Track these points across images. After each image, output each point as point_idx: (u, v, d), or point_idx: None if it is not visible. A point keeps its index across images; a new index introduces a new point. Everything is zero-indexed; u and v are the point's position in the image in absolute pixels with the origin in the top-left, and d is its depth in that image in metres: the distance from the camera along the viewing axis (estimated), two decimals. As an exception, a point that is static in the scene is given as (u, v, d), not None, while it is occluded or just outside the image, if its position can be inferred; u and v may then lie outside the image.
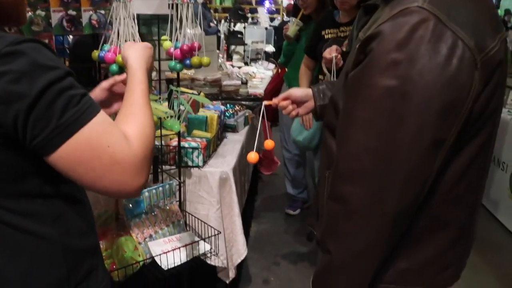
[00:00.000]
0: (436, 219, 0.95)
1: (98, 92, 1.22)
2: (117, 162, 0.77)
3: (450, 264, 1.02)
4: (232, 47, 6.15)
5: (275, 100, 1.40)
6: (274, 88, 3.52)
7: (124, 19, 1.56)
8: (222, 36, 6.25)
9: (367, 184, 0.86)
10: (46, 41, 1.54)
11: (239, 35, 6.21)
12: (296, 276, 2.66)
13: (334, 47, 2.23)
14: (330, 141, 1.08)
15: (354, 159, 0.88)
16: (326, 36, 2.63)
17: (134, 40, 1.58)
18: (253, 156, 1.28)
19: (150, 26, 2.20)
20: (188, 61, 1.71)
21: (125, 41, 1.57)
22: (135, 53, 1.07)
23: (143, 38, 1.65)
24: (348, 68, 0.93)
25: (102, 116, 0.79)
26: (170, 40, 1.78)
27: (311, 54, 2.77)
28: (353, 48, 1.01)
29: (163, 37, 1.87)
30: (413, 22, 0.79)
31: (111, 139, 0.78)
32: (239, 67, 4.78)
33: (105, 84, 1.22)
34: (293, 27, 3.08)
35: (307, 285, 2.65)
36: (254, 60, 6.29)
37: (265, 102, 1.39)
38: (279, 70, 3.56)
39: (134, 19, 1.56)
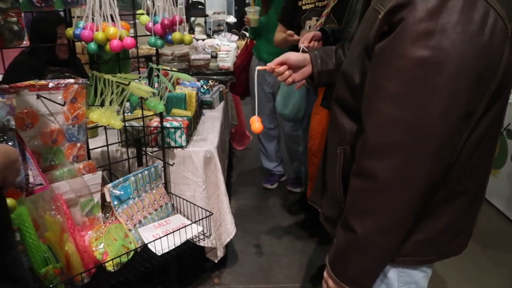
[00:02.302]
0: (453, 189, 0.96)
1: None
2: None
3: (461, 232, 1.04)
4: (192, 19, 5.97)
5: (270, 65, 1.32)
6: (243, 62, 3.43)
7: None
8: (182, 7, 6.03)
9: (397, 159, 0.84)
10: (15, 19, 1.40)
11: (199, 6, 6.02)
12: (282, 250, 2.67)
13: (310, 34, 2.13)
14: (341, 117, 1.05)
15: (383, 133, 0.85)
16: (304, 7, 2.56)
17: (112, 17, 1.47)
18: (257, 126, 1.26)
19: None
20: (170, 37, 1.61)
21: (103, 17, 1.46)
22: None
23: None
24: (369, 39, 0.89)
25: None
26: (147, 13, 1.67)
27: (287, 24, 2.68)
28: (366, 18, 0.97)
29: (139, 11, 1.75)
30: None
31: None
32: (203, 40, 4.64)
33: None
34: (253, 17, 3.03)
35: (294, 258, 2.69)
36: (217, 32, 6.14)
37: (258, 67, 1.34)
38: (248, 43, 3.48)
39: (111, -8, 1.44)
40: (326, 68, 1.34)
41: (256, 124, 1.27)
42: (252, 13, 3.02)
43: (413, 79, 0.80)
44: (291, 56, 1.33)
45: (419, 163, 0.84)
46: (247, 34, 5.81)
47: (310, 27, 2.52)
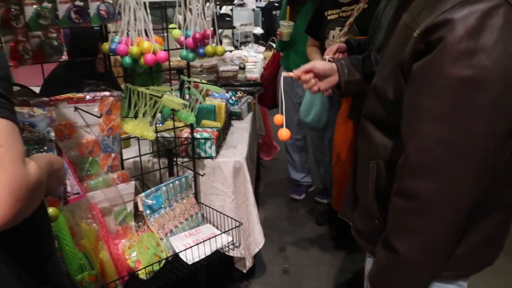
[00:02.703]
0: (492, 202, 0.95)
1: None
2: (0, 165, 0.67)
3: (496, 245, 1.04)
4: (220, 30, 6.05)
5: (296, 72, 1.33)
6: (270, 74, 3.45)
7: (133, 8, 1.49)
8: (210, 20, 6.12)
9: (440, 178, 0.85)
10: (55, 35, 1.46)
11: (227, 18, 6.10)
12: (310, 261, 2.66)
13: (335, 46, 2.15)
14: (373, 131, 1.05)
15: (426, 153, 0.85)
16: (328, 17, 2.58)
17: (146, 32, 1.52)
18: (284, 133, 1.27)
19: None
20: (201, 50, 1.65)
21: (137, 32, 1.51)
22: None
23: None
24: (403, 57, 0.90)
25: (11, 125, 0.71)
26: (179, 28, 1.72)
27: (314, 35, 2.72)
28: (397, 33, 0.97)
29: (171, 25, 1.80)
30: (484, 9, 0.77)
31: (9, 143, 0.69)
32: (230, 51, 4.70)
33: None
34: (286, 31, 3.06)
35: (322, 270, 2.67)
36: (244, 43, 6.20)
37: (284, 74, 1.34)
38: (275, 56, 3.51)
39: (146, 7, 1.49)
40: (353, 78, 1.35)
41: (283, 131, 1.27)
42: (286, 27, 3.06)
43: (455, 98, 0.80)
44: (318, 65, 1.33)
45: (463, 182, 0.84)
46: (274, 45, 5.85)
47: (333, 36, 2.54)
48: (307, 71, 1.32)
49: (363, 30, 2.35)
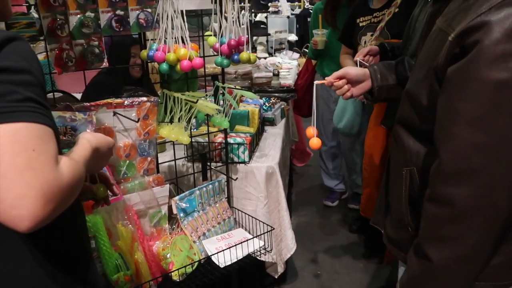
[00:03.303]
0: None
1: None
2: (32, 168, 0.68)
3: None
4: (255, 38, 6.10)
5: (329, 79, 1.33)
6: (305, 82, 3.45)
7: (171, 17, 1.54)
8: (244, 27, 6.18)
9: (477, 184, 0.83)
10: (96, 43, 1.53)
11: (262, 26, 6.14)
12: (343, 269, 2.63)
13: (366, 48, 2.14)
14: (406, 138, 1.04)
15: (461, 158, 0.84)
16: (360, 24, 2.58)
17: (183, 39, 1.56)
18: (315, 142, 1.27)
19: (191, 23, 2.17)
20: (236, 57, 1.68)
21: (174, 39, 1.55)
22: (94, 136, 1.01)
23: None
24: (438, 62, 0.89)
25: (44, 128, 0.73)
26: (214, 35, 1.76)
27: (347, 43, 2.72)
28: (431, 38, 0.97)
29: (207, 33, 1.84)
30: None
31: (41, 147, 0.70)
32: (264, 58, 4.73)
33: None
34: (321, 39, 3.07)
35: (355, 278, 2.63)
36: (278, 50, 6.23)
37: (316, 82, 1.34)
38: (308, 64, 3.51)
39: (183, 15, 1.54)
40: (386, 83, 1.34)
41: (314, 140, 1.27)
42: (320, 35, 3.07)
43: (492, 102, 0.79)
44: (351, 71, 1.33)
45: (500, 188, 0.82)
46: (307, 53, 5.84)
47: (365, 42, 2.54)
48: (340, 78, 1.32)
49: (395, 34, 2.34)
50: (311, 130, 1.29)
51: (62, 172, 0.72)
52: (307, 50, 5.90)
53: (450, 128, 0.86)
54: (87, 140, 0.96)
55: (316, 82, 1.35)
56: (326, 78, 1.34)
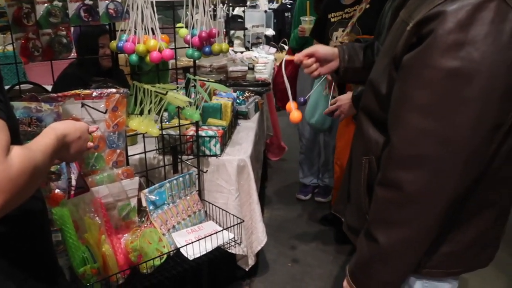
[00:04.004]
0: (482, 200, 0.95)
1: None
2: None
3: (489, 245, 1.03)
4: (232, 32, 6.08)
5: (298, 56, 1.33)
6: (291, 74, 3.44)
7: (141, 7, 1.52)
8: (222, 20, 6.14)
9: (425, 170, 0.85)
10: (64, 33, 1.50)
11: (239, 20, 6.12)
12: (314, 261, 2.67)
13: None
14: (367, 126, 1.06)
15: (411, 144, 0.86)
16: (332, 20, 2.63)
17: (153, 30, 1.55)
18: (296, 115, 1.25)
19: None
20: (207, 49, 1.68)
21: (144, 30, 1.54)
22: (62, 124, 1.00)
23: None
24: (396, 51, 0.90)
25: None
26: (186, 27, 1.75)
27: (319, 38, 2.75)
28: (394, 29, 0.98)
29: (178, 24, 1.83)
30: (475, 2, 0.78)
31: None
32: (241, 52, 4.73)
33: None
34: (308, 26, 3.07)
35: (327, 270, 2.67)
36: (255, 44, 6.23)
37: (286, 57, 1.34)
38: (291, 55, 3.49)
39: (153, 6, 1.52)
40: (352, 65, 1.35)
41: (295, 113, 1.26)
42: (308, 22, 3.06)
43: (442, 90, 0.81)
44: (320, 49, 1.34)
45: (446, 175, 0.84)
46: (285, 47, 5.85)
47: (336, 38, 2.58)
48: (309, 55, 1.33)
49: (366, 30, 2.38)
50: (290, 105, 1.28)
51: (12, 163, 0.70)
52: (284, 45, 5.93)
53: (401, 114, 0.87)
54: (52, 128, 0.94)
55: (286, 57, 1.35)
56: (296, 55, 1.34)
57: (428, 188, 0.85)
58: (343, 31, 2.51)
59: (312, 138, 3.29)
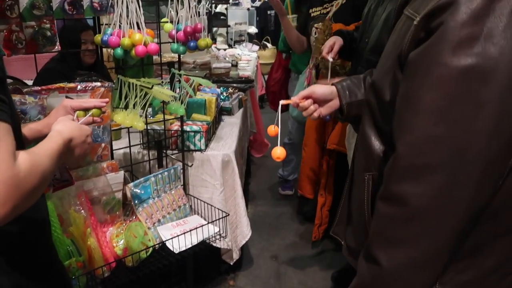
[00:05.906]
0: (501, 224, 0.82)
1: (60, 108, 1.17)
2: None
3: (509, 272, 0.89)
4: (214, 29, 6.07)
5: (294, 99, 1.21)
6: (281, 76, 3.45)
7: (126, 2, 1.53)
8: (205, 17, 6.13)
9: (435, 182, 0.73)
10: (48, 26, 1.49)
11: (221, 17, 6.12)
12: (297, 255, 2.70)
13: (330, 41, 2.13)
14: (369, 139, 0.94)
15: (419, 152, 0.74)
16: (312, 14, 2.72)
17: (138, 25, 1.55)
18: (279, 152, 1.08)
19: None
20: (192, 43, 1.69)
21: (130, 24, 1.54)
22: (68, 127, 0.98)
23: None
24: (402, 48, 0.80)
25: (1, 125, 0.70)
26: (171, 22, 1.76)
27: (302, 33, 2.84)
28: (398, 27, 0.89)
29: (163, 19, 1.84)
30: None
31: None
32: (224, 50, 4.74)
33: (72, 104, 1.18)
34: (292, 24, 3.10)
35: (309, 264, 2.69)
36: (238, 42, 6.24)
37: (282, 102, 1.23)
38: (280, 58, 3.50)
39: (138, 0, 1.53)
40: (355, 99, 1.20)
41: (277, 150, 1.08)
42: (290, 19, 3.08)
43: (455, 91, 0.70)
44: (317, 90, 1.20)
45: (460, 187, 0.73)
46: (268, 45, 5.87)
47: (315, 32, 2.63)
48: (306, 97, 1.20)
49: (342, 23, 2.44)
50: (273, 128, 1.16)
51: (19, 170, 0.69)
52: (267, 43, 5.94)
53: (408, 118, 0.76)
54: (58, 132, 0.93)
55: (281, 102, 1.23)
56: (292, 98, 1.25)
57: (438, 203, 0.74)
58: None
59: (297, 133, 3.34)
